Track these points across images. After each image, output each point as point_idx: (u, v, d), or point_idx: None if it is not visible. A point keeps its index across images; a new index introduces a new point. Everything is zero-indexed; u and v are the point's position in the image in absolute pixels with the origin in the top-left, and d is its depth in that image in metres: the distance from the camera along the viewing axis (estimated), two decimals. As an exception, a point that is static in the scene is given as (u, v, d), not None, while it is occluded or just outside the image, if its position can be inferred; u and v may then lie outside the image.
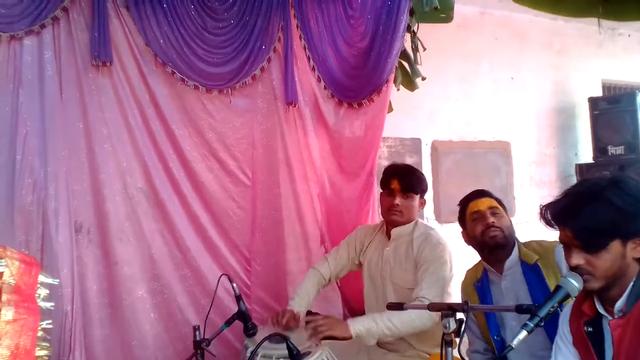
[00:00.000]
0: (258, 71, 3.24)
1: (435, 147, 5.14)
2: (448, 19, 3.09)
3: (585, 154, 5.61)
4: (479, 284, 2.35)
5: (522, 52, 5.51)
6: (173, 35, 3.05)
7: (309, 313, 2.83)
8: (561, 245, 1.69)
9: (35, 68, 2.79)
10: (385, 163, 4.68)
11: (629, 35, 5.96)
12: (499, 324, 2.27)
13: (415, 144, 5.07)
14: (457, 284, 2.58)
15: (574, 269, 1.62)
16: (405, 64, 3.42)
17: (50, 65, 2.82)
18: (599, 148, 5.25)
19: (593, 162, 5.29)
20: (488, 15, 5.34)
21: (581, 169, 5.27)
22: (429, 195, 5.01)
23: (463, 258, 2.59)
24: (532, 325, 1.57)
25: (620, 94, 5.68)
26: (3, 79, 2.74)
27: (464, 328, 1.76)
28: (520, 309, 1.71)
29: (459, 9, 4.98)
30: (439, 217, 5.10)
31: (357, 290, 3.11)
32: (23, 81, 2.77)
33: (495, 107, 5.37)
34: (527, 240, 2.33)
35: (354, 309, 3.31)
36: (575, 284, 1.59)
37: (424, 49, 3.21)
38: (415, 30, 3.14)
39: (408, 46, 3.23)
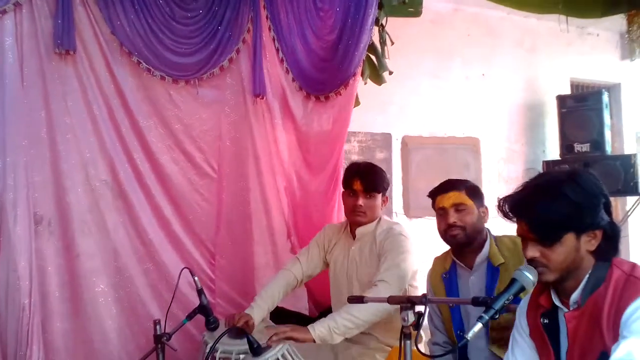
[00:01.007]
0: (226, 62, 3.21)
1: (405, 143, 5.15)
2: (416, 13, 3.09)
3: (553, 151, 5.68)
4: (447, 276, 2.35)
5: (493, 49, 5.55)
6: (140, 24, 3.00)
7: (275, 310, 2.82)
8: None
9: (-4, 55, 2.73)
10: (356, 158, 4.70)
11: (598, 35, 6.04)
12: (463, 319, 2.28)
13: (386, 139, 5.08)
14: (422, 277, 2.59)
15: (530, 261, 1.64)
16: (373, 58, 3.42)
17: (11, 52, 2.76)
18: (566, 145, 5.31)
19: (560, 159, 5.37)
20: (461, 12, 5.36)
21: (548, 165, 5.33)
22: (398, 190, 5.05)
23: (432, 253, 2.56)
24: (487, 317, 1.58)
25: (587, 92, 5.76)
26: (-39, 67, 2.68)
27: (422, 321, 1.76)
28: (476, 302, 1.72)
29: (432, 4, 5.03)
30: (408, 212, 5.12)
31: (322, 285, 3.11)
32: (-18, 69, 2.70)
33: (466, 103, 5.40)
34: (501, 235, 2.32)
35: (320, 303, 3.32)
36: (530, 277, 1.61)
37: (392, 43, 3.21)
38: (384, 24, 3.13)
39: (376, 40, 3.23)
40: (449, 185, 2.35)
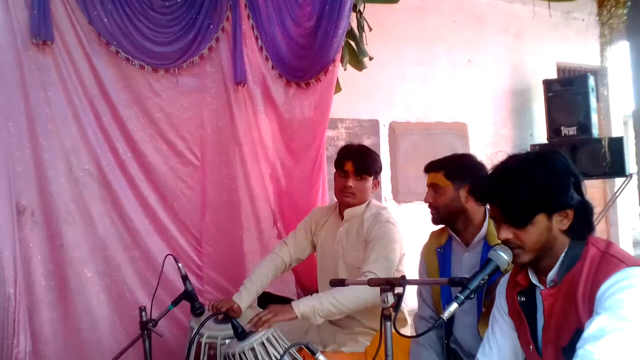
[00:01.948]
0: (206, 51, 3.19)
1: (392, 129, 5.17)
2: (394, 0, 3.07)
3: (540, 135, 5.71)
4: (442, 251, 2.36)
5: (479, 35, 5.56)
6: (117, 13, 2.98)
7: (263, 295, 2.83)
8: None
9: (-29, 46, 2.71)
10: (343, 144, 4.70)
11: (583, 20, 6.03)
12: (452, 294, 2.29)
13: (373, 125, 5.09)
14: (409, 263, 2.60)
15: (505, 243, 1.65)
16: (353, 44, 3.41)
17: (-14, 43, 2.73)
18: (553, 129, 5.35)
19: (547, 142, 5.39)
20: (445, -2, 5.37)
21: (536, 149, 5.37)
22: (386, 176, 5.07)
23: (421, 237, 2.58)
24: (462, 297, 1.59)
25: (573, 76, 5.79)
26: (-64, 58, 2.66)
27: (401, 302, 1.77)
28: (453, 282, 1.74)
29: (417, -10, 5.05)
30: (396, 197, 5.15)
31: (310, 270, 3.13)
32: (-43, 60, 2.68)
33: (453, 89, 5.42)
34: None
35: (307, 288, 3.33)
36: (504, 256, 1.63)
37: (370, 29, 3.20)
38: (362, 10, 3.12)
39: (355, 26, 3.22)
40: (428, 166, 2.37)
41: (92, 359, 2.94)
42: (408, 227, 3.28)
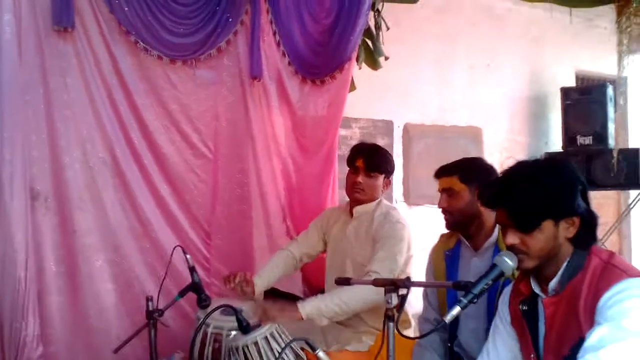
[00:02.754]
0: (224, 44, 3.20)
1: (407, 130, 5.14)
2: (412, 0, 3.07)
3: (556, 143, 5.65)
4: (450, 254, 2.37)
5: (499, 38, 5.51)
6: (138, 3, 2.99)
7: (270, 291, 2.85)
8: None
9: (-7, 31, 2.74)
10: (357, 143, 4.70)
11: (605, 28, 5.98)
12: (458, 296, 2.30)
13: (387, 125, 5.07)
14: (418, 266, 2.60)
15: (509, 248, 1.65)
16: (369, 43, 3.41)
17: (9, 28, 2.75)
18: (569, 138, 5.29)
19: (562, 151, 5.34)
20: (467, 0, 5.33)
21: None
22: (398, 177, 5.05)
23: (431, 241, 2.57)
24: (465, 301, 1.60)
25: (591, 85, 5.73)
26: (-41, 43, 2.69)
27: (405, 303, 1.78)
28: (457, 286, 1.74)
29: (438, -9, 5.02)
30: (407, 200, 5.12)
31: (317, 268, 3.14)
32: (-20, 44, 2.72)
33: (469, 92, 5.38)
34: None
35: (314, 286, 3.35)
36: (509, 262, 1.63)
37: (387, 28, 3.20)
38: (380, 9, 3.13)
39: (372, 25, 3.22)
40: (441, 171, 2.37)
41: (99, 345, 2.96)
42: (418, 230, 3.27)
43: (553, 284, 1.64)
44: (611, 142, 5.14)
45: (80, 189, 2.97)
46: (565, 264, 1.62)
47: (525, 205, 1.59)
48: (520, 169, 1.69)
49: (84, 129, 2.98)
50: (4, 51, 2.74)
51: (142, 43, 3.04)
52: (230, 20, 3.19)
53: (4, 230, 2.73)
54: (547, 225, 1.59)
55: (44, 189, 2.89)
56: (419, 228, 3.53)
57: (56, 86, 2.89)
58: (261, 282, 2.73)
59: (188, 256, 2.34)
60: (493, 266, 1.65)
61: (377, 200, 2.77)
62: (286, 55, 3.30)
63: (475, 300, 1.61)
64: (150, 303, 2.18)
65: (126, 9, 2.98)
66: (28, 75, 2.82)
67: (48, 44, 2.86)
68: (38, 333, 2.78)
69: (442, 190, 2.32)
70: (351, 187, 2.75)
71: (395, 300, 1.78)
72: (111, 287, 3.06)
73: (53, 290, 2.91)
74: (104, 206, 3.03)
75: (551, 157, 1.75)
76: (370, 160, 2.72)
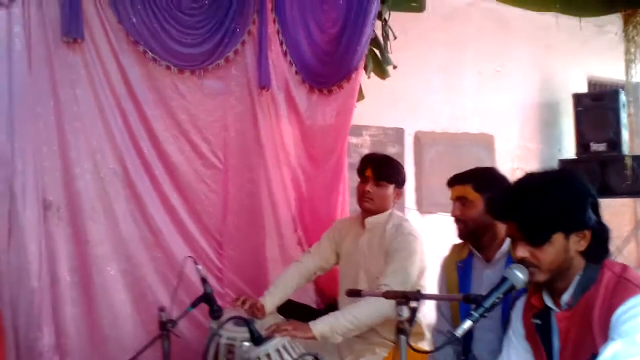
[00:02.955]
0: (232, 54, 3.21)
1: (418, 138, 5.12)
2: (420, 8, 3.08)
3: (569, 150, 5.60)
4: (462, 265, 2.34)
5: (508, 45, 5.48)
6: (146, 13, 3.01)
7: (286, 303, 2.84)
8: None
9: (4, 43, 2.76)
10: (367, 152, 4.67)
11: (616, 33, 5.90)
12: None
13: (398, 133, 5.05)
14: (433, 276, 2.56)
15: (520, 262, 1.63)
16: (377, 52, 3.40)
17: (19, 40, 2.78)
18: (582, 144, 5.24)
19: (576, 158, 5.29)
20: (475, 7, 5.30)
21: (563, 164, 5.26)
22: (410, 186, 5.02)
23: (444, 250, 2.53)
24: (476, 315, 1.57)
25: (604, 91, 5.67)
26: (-30, 54, 2.72)
27: (416, 316, 1.76)
28: (467, 299, 1.71)
29: (446, -1, 5.00)
30: (420, 208, 5.09)
31: (330, 278, 3.12)
32: (-10, 56, 2.74)
33: (480, 99, 5.35)
34: None
35: (327, 296, 3.33)
36: (520, 275, 1.60)
37: (395, 37, 3.19)
38: (387, 18, 3.12)
39: (379, 34, 3.21)
40: (454, 179, 2.34)
41: (113, 355, 2.96)
42: (431, 239, 3.24)
43: (566, 297, 1.62)
44: (625, 148, 5.08)
45: (91, 200, 2.99)
46: (577, 277, 1.60)
47: (534, 218, 1.57)
48: (529, 181, 1.67)
49: (94, 140, 2.99)
50: (15, 63, 2.77)
51: (150, 53, 3.05)
52: (237, 30, 3.20)
53: (18, 240, 2.75)
54: (558, 238, 1.57)
55: (56, 200, 2.91)
56: (432, 236, 3.51)
57: (66, 98, 2.91)
58: (272, 300, 2.71)
59: (199, 267, 2.34)
60: (503, 279, 1.61)
61: (388, 212, 2.75)
62: (293, 65, 3.30)
63: (486, 314, 1.58)
64: (163, 314, 2.17)
65: (134, 19, 3.00)
66: (38, 87, 2.85)
67: (57, 56, 2.88)
68: (53, 343, 2.80)
69: (456, 199, 2.29)
70: (361, 197, 2.74)
71: (406, 313, 1.76)
72: (125, 297, 3.06)
73: (67, 300, 2.92)
74: (116, 216, 3.04)
75: (561, 170, 1.72)
76: (379, 169, 2.71)
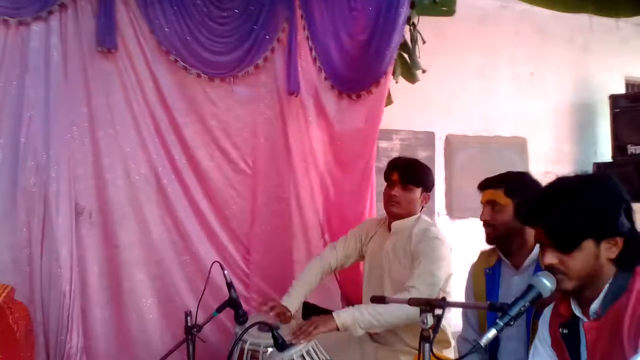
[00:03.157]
0: (261, 61, 3.24)
1: (449, 141, 5.08)
2: (450, 12, 3.05)
3: (605, 153, 5.48)
4: (490, 272, 2.30)
5: (543, 47, 5.40)
6: (177, 23, 3.07)
7: (305, 305, 2.85)
8: None
9: (42, 53, 2.86)
10: (397, 156, 4.65)
11: (656, 32, 5.80)
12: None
13: (429, 137, 5.02)
14: (462, 282, 2.54)
15: (547, 268, 1.59)
16: (406, 56, 3.39)
17: (56, 51, 2.87)
18: (618, 147, 5.12)
19: (612, 161, 5.17)
20: (509, 9, 5.24)
21: (599, 167, 5.15)
22: (440, 190, 4.99)
23: (474, 255, 2.49)
24: (502, 324, 1.54)
25: (642, 91, 5.54)
26: (10, 64, 2.82)
27: (440, 324, 1.74)
28: (492, 307, 1.69)
29: (479, 2, 4.96)
30: (450, 213, 5.05)
31: (355, 283, 3.13)
32: (29, 66, 2.84)
33: (513, 102, 5.29)
34: None
35: (353, 302, 3.32)
36: (547, 283, 1.56)
37: (424, 42, 3.17)
38: (416, 23, 3.11)
39: (408, 39, 3.20)
40: (485, 183, 2.31)
41: (140, 358, 3.03)
42: (461, 244, 3.21)
43: (594, 306, 1.56)
44: (665, 151, 4.95)
45: (122, 205, 3.06)
46: (607, 286, 1.54)
47: (564, 223, 1.52)
48: (559, 185, 1.61)
49: (126, 146, 3.06)
50: (52, 73, 2.87)
51: (181, 62, 3.11)
52: (267, 37, 3.24)
53: (50, 245, 2.83)
54: (588, 245, 1.52)
55: (88, 205, 2.99)
56: (462, 242, 3.47)
57: (99, 105, 3.00)
58: (297, 300, 2.73)
59: (226, 272, 2.36)
60: (530, 287, 1.58)
61: (415, 216, 2.72)
62: (322, 71, 3.32)
63: (512, 322, 1.55)
64: (188, 318, 2.20)
65: (166, 29, 3.06)
66: (73, 95, 2.94)
67: (92, 65, 2.97)
68: (82, 345, 2.87)
69: (486, 203, 2.26)
70: (387, 201, 2.73)
71: (430, 321, 1.74)
72: (153, 301, 3.12)
73: (96, 303, 3.00)
74: (146, 221, 3.11)
75: (593, 174, 1.67)
76: (406, 173, 2.69)
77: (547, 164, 5.38)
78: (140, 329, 3.08)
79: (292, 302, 2.68)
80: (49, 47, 2.86)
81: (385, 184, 2.78)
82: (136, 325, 3.07)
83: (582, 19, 5.43)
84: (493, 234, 2.25)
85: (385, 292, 2.67)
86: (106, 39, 2.91)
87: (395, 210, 2.71)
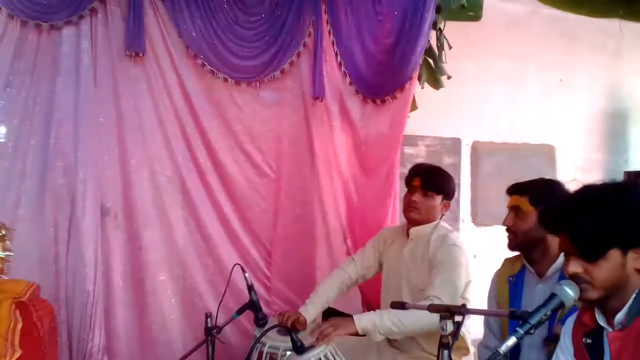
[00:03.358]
0: (287, 65, 3.27)
1: (475, 148, 5.03)
2: (476, 17, 3.02)
3: (636, 161, 5.37)
4: (514, 280, 2.28)
5: (572, 53, 5.31)
6: (205, 27, 3.11)
7: (328, 311, 2.85)
8: None
9: (72, 57, 2.92)
10: (422, 162, 4.62)
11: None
12: None
13: (455, 143, 4.98)
14: (483, 288, 2.52)
15: (572, 277, 1.56)
16: (431, 62, 3.38)
17: (86, 54, 2.93)
18: (650, 155, 5.01)
19: (643, 170, 5.07)
20: (537, 15, 5.17)
21: (630, 176, 5.04)
22: (466, 197, 4.94)
23: (498, 262, 2.47)
24: (522, 332, 1.52)
25: (676, 99, 5.40)
26: (42, 67, 2.88)
27: (459, 330, 1.73)
28: (513, 315, 1.67)
29: (507, 7, 4.91)
30: (475, 220, 4.99)
31: (376, 290, 3.10)
32: (60, 69, 2.90)
33: (542, 109, 5.21)
34: None
35: (373, 307, 3.30)
36: (570, 292, 1.53)
37: (450, 47, 3.15)
38: (442, 28, 3.09)
39: (434, 44, 3.19)
40: (514, 187, 2.29)
41: (161, 358, 3.07)
42: (486, 252, 3.18)
43: (619, 317, 1.53)
44: (697, 160, 4.82)
45: (147, 207, 3.10)
46: (634, 296, 1.51)
47: (589, 231, 1.49)
48: (586, 192, 1.58)
49: (152, 149, 3.11)
50: (82, 76, 2.92)
51: (208, 66, 3.15)
52: (293, 42, 3.26)
53: (76, 245, 2.88)
54: (614, 254, 1.49)
55: (114, 206, 3.04)
56: (487, 249, 3.44)
57: (127, 108, 3.05)
58: (314, 311, 2.70)
59: (247, 274, 2.37)
60: (552, 296, 1.56)
61: (434, 223, 2.71)
62: (347, 76, 3.33)
63: (532, 331, 1.53)
64: (209, 320, 2.22)
65: (194, 33, 3.10)
66: (102, 98, 2.99)
67: (121, 69, 3.02)
68: (103, 345, 2.91)
69: (511, 208, 2.24)
70: (407, 206, 2.72)
71: (450, 327, 1.73)
72: (174, 302, 3.16)
73: (119, 303, 3.04)
74: (170, 223, 3.15)
75: (620, 182, 1.64)
76: (427, 179, 2.68)
77: (576, 172, 5.28)
78: (161, 329, 3.11)
79: (309, 312, 2.67)
80: (79, 51, 2.92)
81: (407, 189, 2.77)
82: (158, 326, 3.11)
83: (613, 24, 5.29)
84: (514, 240, 2.23)
85: (404, 297, 2.66)
86: (135, 43, 2.96)
87: (414, 216, 2.70)
